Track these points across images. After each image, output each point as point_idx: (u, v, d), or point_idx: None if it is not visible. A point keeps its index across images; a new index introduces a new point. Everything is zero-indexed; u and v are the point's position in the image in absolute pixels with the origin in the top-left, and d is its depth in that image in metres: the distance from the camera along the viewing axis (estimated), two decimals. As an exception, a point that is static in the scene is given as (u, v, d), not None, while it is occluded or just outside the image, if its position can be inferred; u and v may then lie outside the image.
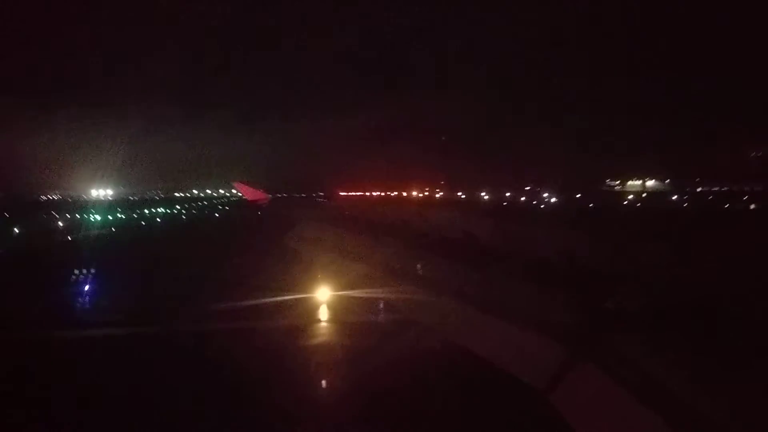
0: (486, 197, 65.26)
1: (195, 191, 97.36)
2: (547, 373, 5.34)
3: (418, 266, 10.55)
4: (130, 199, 75.84)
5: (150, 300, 14.43)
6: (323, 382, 9.67)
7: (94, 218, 47.41)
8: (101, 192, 71.66)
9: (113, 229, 41.22)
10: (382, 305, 11.02)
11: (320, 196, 54.31)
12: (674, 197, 59.36)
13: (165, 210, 63.35)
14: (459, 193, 70.27)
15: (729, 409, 3.48)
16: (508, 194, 65.64)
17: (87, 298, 16.74)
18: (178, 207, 66.45)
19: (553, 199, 58.71)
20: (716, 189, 66.74)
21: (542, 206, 53.68)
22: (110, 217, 49.34)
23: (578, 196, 60.56)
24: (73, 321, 13.21)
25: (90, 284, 17.61)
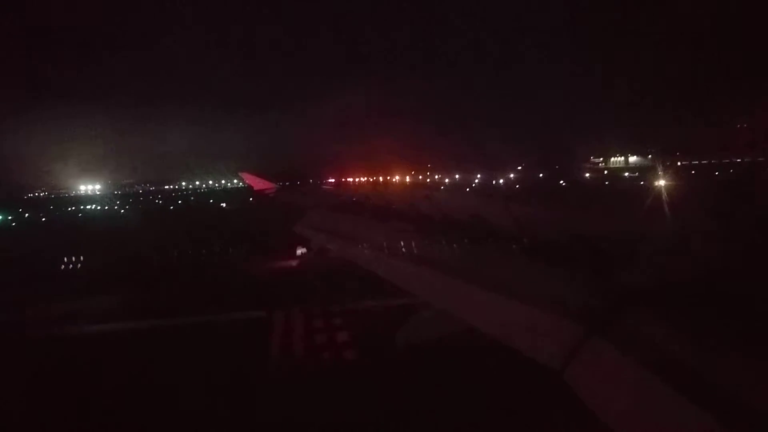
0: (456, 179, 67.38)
1: (184, 183, 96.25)
2: (560, 351, 5.50)
3: (429, 248, 10.75)
4: (115, 194, 75.00)
5: None
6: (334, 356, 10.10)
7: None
8: (89, 187, 70.91)
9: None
10: (394, 288, 11.22)
11: (327, 184, 54.90)
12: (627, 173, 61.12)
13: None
14: (436, 176, 71.92)
15: (749, 382, 3.72)
16: (479, 176, 67.35)
17: None
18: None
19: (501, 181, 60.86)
20: (696, 163, 68.58)
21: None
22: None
23: (540, 175, 62.46)
24: None
25: None
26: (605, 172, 66.22)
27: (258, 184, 34.50)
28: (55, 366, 10.26)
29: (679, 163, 72.18)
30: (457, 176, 69.07)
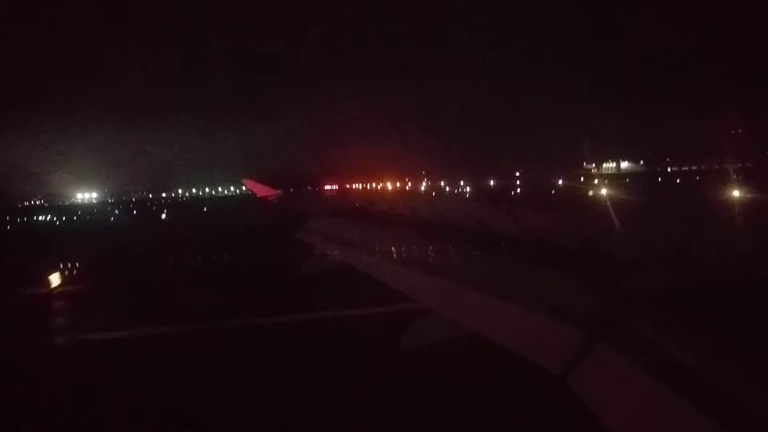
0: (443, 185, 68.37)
1: (180, 191, 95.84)
2: (564, 357, 5.49)
3: (432, 254, 10.77)
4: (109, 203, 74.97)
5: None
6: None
7: None
8: (86, 195, 70.92)
9: None
10: (395, 294, 11.14)
11: (328, 191, 54.67)
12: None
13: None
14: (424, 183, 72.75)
15: (753, 386, 3.74)
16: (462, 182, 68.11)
17: None
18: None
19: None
20: (686, 168, 69.45)
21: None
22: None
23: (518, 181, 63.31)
24: None
25: None
26: (581, 179, 67.05)
27: (261, 190, 34.36)
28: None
29: (669, 169, 73.01)
30: (442, 183, 70.11)
